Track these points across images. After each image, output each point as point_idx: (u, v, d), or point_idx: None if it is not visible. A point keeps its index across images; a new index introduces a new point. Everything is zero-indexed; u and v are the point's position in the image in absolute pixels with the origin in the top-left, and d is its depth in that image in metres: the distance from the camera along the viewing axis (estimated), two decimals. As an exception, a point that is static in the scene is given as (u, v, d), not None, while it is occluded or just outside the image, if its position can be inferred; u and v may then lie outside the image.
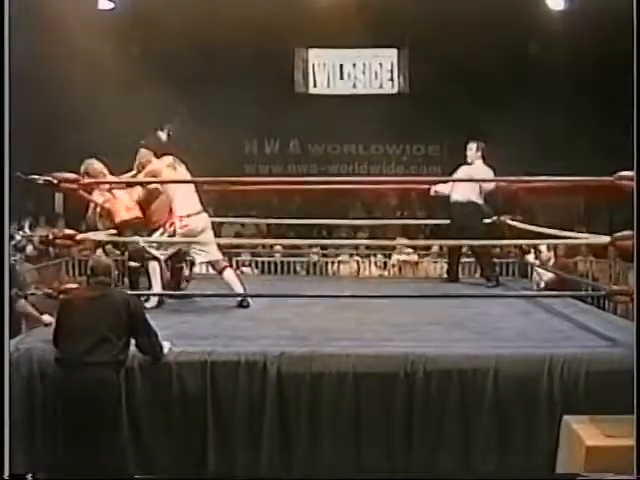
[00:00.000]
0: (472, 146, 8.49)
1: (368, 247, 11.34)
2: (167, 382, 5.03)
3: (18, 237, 10.26)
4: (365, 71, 15.37)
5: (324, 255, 11.37)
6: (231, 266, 8.43)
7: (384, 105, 14.26)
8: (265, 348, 5.22)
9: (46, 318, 5.77)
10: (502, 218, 8.67)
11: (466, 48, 13.38)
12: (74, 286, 5.92)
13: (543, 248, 9.02)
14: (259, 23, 12.54)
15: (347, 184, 11.60)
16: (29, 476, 4.63)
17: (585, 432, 4.60)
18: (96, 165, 7.31)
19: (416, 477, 4.99)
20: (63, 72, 11.52)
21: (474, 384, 5.03)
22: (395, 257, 11.23)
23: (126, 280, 7.81)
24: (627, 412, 4.05)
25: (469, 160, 8.46)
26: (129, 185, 7.46)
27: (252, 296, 7.01)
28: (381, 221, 12.49)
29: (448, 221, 8.71)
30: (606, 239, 5.89)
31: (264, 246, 11.41)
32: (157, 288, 6.98)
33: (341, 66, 15.40)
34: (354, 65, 15.38)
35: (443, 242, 9.01)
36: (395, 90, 15.29)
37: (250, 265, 11.23)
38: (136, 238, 7.04)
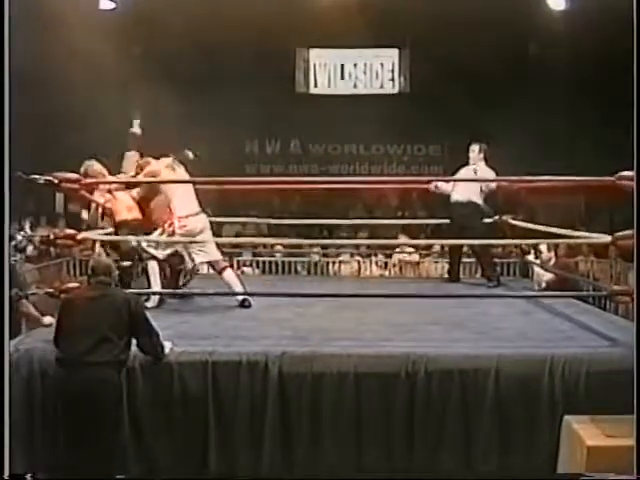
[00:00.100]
0: (474, 148, 8.48)
1: (369, 247, 11.33)
2: (168, 382, 5.03)
3: (19, 237, 10.26)
4: (366, 71, 15.37)
5: (325, 255, 11.36)
6: (232, 266, 8.44)
7: (385, 105, 14.25)
8: (266, 348, 5.22)
9: (47, 319, 5.77)
10: (503, 218, 8.65)
11: (467, 48, 13.38)
12: (75, 285, 5.91)
13: (544, 248, 9.00)
14: (260, 23, 12.55)
15: (348, 184, 11.61)
16: (29, 476, 4.62)
17: (586, 432, 4.60)
18: (96, 166, 7.32)
19: (417, 477, 4.99)
20: (64, 72, 11.51)
21: (475, 384, 5.03)
22: (396, 257, 11.24)
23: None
24: (628, 412, 4.04)
25: (471, 162, 8.46)
26: (128, 186, 7.48)
27: (252, 295, 7.01)
28: (382, 221, 12.51)
29: (448, 220, 8.71)
30: (607, 238, 5.89)
31: (265, 246, 11.40)
32: (156, 288, 6.98)
33: (342, 66, 15.40)
34: (355, 65, 15.38)
35: (444, 242, 9.01)
36: (396, 90, 15.29)
37: (251, 265, 11.23)
38: (135, 237, 7.05)
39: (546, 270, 8.71)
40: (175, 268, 7.54)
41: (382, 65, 15.34)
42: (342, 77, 15.42)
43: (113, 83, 12.00)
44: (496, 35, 13.14)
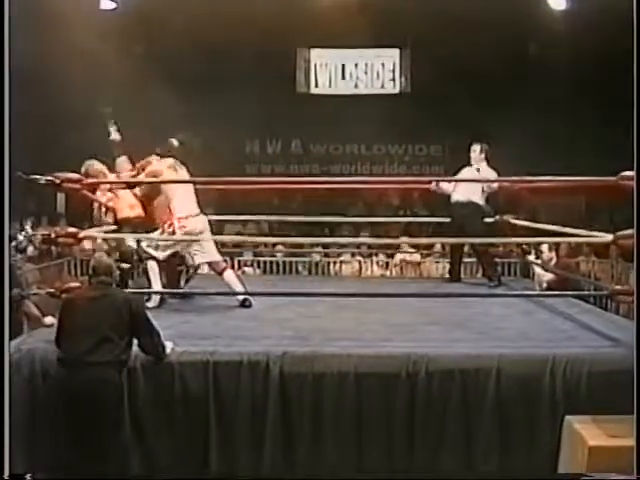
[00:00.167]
0: (476, 148, 8.47)
1: (370, 247, 11.33)
2: (169, 382, 5.03)
3: (20, 237, 10.28)
4: (367, 71, 15.37)
5: (326, 255, 11.37)
6: (232, 267, 8.44)
7: (386, 105, 14.25)
8: (267, 348, 5.21)
9: (48, 319, 5.77)
10: (505, 217, 8.64)
11: (468, 48, 13.38)
12: (76, 285, 5.91)
13: (545, 248, 9.00)
14: (261, 23, 12.56)
15: (349, 184, 11.60)
16: (29, 476, 4.62)
17: (587, 432, 4.59)
18: (96, 166, 7.33)
19: (418, 477, 4.99)
20: (65, 72, 11.51)
21: (476, 384, 5.03)
22: (397, 257, 11.23)
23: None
24: (629, 412, 4.05)
25: (473, 162, 8.44)
26: (130, 186, 7.48)
27: (253, 294, 7.01)
28: (382, 219, 12.53)
29: (448, 219, 8.69)
30: (609, 237, 5.88)
31: (266, 246, 11.41)
32: (157, 288, 6.98)
33: (343, 66, 15.41)
34: (356, 65, 15.38)
35: (445, 240, 8.99)
36: (397, 90, 15.29)
37: (252, 265, 11.24)
38: (134, 235, 7.05)
39: (547, 270, 8.71)
40: (176, 268, 7.54)
41: (383, 65, 15.35)
42: (343, 77, 15.42)
43: (113, 83, 11.99)
44: (497, 35, 13.14)
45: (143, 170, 7.25)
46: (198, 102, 13.46)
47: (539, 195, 11.19)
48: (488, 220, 8.44)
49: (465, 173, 8.45)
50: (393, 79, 15.33)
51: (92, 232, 7.38)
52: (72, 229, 6.24)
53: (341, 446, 5.02)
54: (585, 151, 12.75)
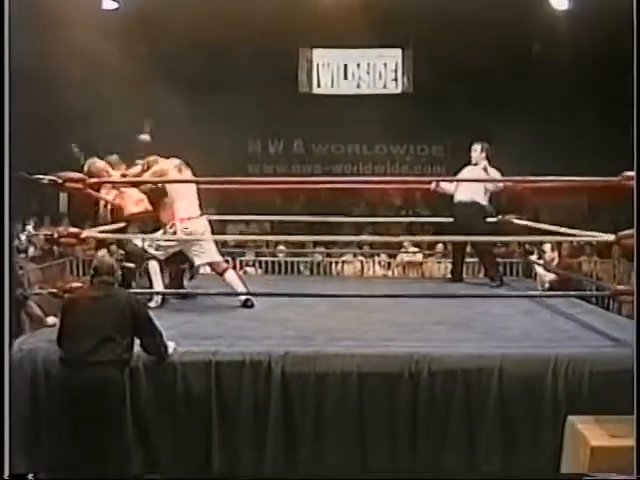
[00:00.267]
0: (477, 147, 8.45)
1: (372, 247, 11.32)
2: (172, 382, 5.02)
3: (23, 237, 10.28)
4: (369, 71, 15.38)
5: (328, 255, 11.37)
6: (234, 268, 8.43)
7: (388, 105, 14.27)
8: (270, 348, 5.21)
9: (50, 319, 5.77)
10: (507, 217, 8.63)
11: (470, 48, 13.39)
12: (79, 284, 5.90)
13: (547, 248, 9.00)
14: (263, 23, 12.56)
15: (351, 184, 11.60)
16: (30, 476, 4.63)
17: (590, 432, 4.59)
18: (99, 164, 7.31)
19: (421, 477, 4.99)
20: (66, 72, 11.52)
21: (479, 384, 5.02)
22: (399, 257, 11.23)
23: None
24: (632, 412, 4.05)
25: (474, 161, 8.43)
26: (134, 184, 7.46)
27: (255, 295, 7.00)
28: (384, 219, 12.53)
29: (451, 220, 8.68)
30: (611, 237, 5.88)
31: (268, 246, 11.41)
32: (158, 288, 6.97)
33: (345, 66, 15.42)
34: (358, 65, 15.39)
35: (447, 238, 8.98)
36: (399, 90, 15.30)
37: (254, 265, 11.24)
38: (136, 235, 7.05)
39: (549, 270, 8.71)
40: (179, 267, 7.53)
41: (385, 65, 15.35)
42: (345, 77, 15.43)
43: (115, 83, 12.00)
44: (500, 35, 13.13)
45: (149, 168, 7.22)
46: (200, 102, 13.47)
47: (541, 195, 11.19)
48: (491, 220, 8.44)
49: (467, 172, 8.44)
50: (395, 79, 15.33)
51: (93, 232, 7.36)
52: (74, 229, 6.23)
53: (343, 446, 5.02)
54: (585, 151, 12.74)
